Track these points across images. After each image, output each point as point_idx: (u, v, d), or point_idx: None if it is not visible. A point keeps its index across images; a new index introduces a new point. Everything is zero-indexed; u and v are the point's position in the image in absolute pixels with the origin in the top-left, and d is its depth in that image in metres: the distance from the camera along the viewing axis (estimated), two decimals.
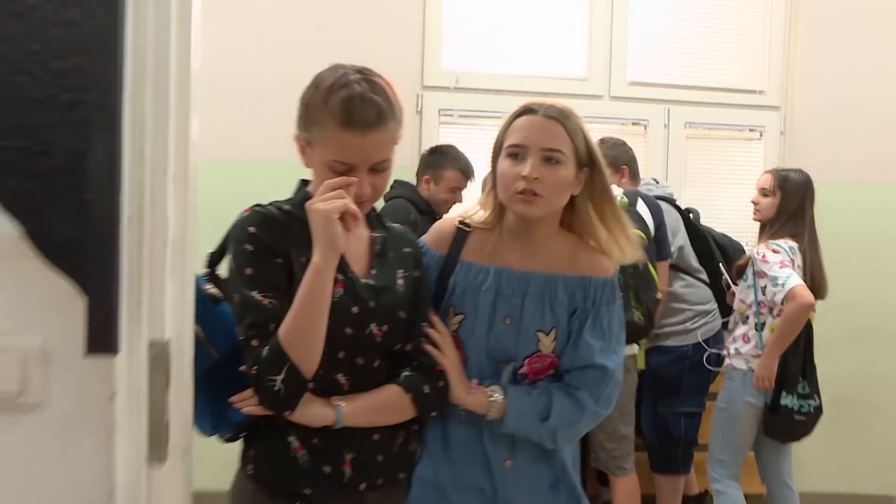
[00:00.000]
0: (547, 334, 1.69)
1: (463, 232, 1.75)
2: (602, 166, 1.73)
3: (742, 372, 3.06)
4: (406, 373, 1.58)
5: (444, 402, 1.62)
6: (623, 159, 3.42)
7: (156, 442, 1.09)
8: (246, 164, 3.62)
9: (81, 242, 0.99)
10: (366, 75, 1.47)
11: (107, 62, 0.97)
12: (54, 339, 1.01)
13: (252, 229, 1.47)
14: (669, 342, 3.32)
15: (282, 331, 1.41)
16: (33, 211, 0.98)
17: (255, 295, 1.43)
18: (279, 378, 1.39)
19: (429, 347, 1.61)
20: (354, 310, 1.49)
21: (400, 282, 1.58)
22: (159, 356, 1.08)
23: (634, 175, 3.48)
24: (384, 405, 1.54)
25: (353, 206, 1.40)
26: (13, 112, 0.95)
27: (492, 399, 1.64)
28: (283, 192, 1.60)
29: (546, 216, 1.70)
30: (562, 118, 1.68)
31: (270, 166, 3.68)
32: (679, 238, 3.38)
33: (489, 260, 1.71)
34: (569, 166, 1.67)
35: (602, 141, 3.47)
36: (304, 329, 1.41)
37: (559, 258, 1.72)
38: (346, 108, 1.42)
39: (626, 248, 1.73)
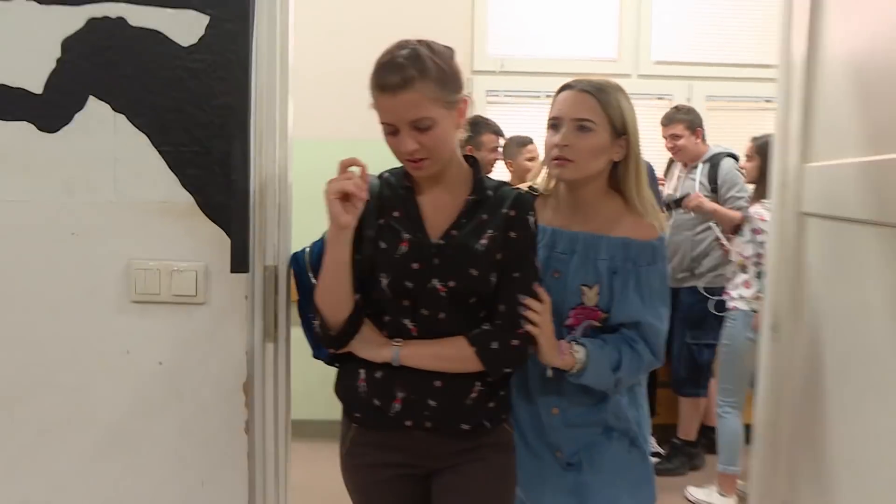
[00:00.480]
0: (591, 288, 1.76)
1: (531, 196, 1.83)
2: (632, 136, 1.78)
3: (744, 312, 3.55)
4: (484, 327, 1.63)
5: (517, 360, 1.65)
6: (698, 122, 4.08)
7: (268, 328, 1.77)
8: (324, 143, 4.27)
9: (228, 206, 1.69)
10: (410, 45, 1.54)
11: (242, 100, 1.66)
12: (213, 263, 1.71)
13: None
14: (702, 284, 3.94)
15: (315, 290, 1.61)
16: (201, 187, 1.68)
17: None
18: (317, 322, 1.61)
19: (528, 314, 1.63)
20: (415, 266, 1.59)
21: (483, 241, 1.61)
22: (270, 274, 1.76)
23: (704, 137, 4.11)
24: (445, 353, 1.60)
25: (351, 187, 1.49)
26: (192, 130, 1.66)
27: (578, 357, 1.71)
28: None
29: (584, 180, 1.79)
30: (594, 90, 1.76)
31: (342, 144, 4.33)
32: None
33: (547, 221, 1.81)
34: (600, 134, 1.74)
35: (677, 109, 4.13)
36: (325, 287, 1.58)
37: (604, 221, 1.80)
38: (377, 74, 1.53)
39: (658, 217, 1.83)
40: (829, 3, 1.61)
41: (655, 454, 4.22)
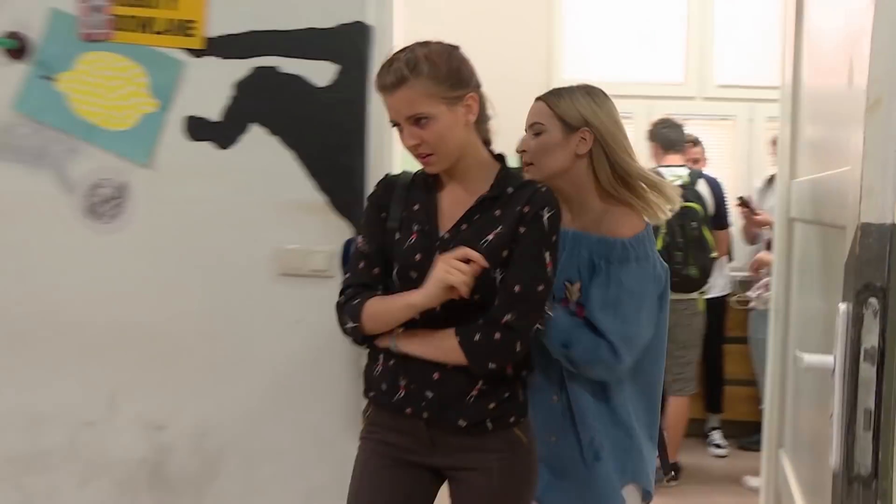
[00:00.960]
0: (573, 285, 1.79)
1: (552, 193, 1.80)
2: (598, 129, 1.76)
3: (758, 312, 3.86)
4: (478, 322, 1.61)
5: (502, 355, 1.59)
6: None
7: None
8: None
9: (351, 205, 2.25)
10: (409, 47, 1.60)
11: (361, 127, 2.24)
12: (340, 247, 2.26)
13: (373, 190, 1.78)
14: None
15: (368, 304, 1.63)
16: (332, 191, 2.26)
17: (359, 239, 1.74)
18: (350, 324, 1.66)
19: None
20: (417, 257, 1.62)
21: (489, 237, 1.60)
22: None
23: None
24: (434, 343, 1.62)
25: (460, 284, 1.51)
26: (325, 149, 2.24)
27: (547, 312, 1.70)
28: None
29: (552, 177, 1.78)
30: (547, 96, 1.83)
31: None
32: None
33: None
34: (551, 132, 1.78)
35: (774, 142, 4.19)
36: (378, 319, 1.63)
37: (590, 220, 1.81)
38: (377, 76, 1.61)
39: (654, 205, 1.78)
40: (806, 39, 2.03)
41: (717, 445, 4.60)
